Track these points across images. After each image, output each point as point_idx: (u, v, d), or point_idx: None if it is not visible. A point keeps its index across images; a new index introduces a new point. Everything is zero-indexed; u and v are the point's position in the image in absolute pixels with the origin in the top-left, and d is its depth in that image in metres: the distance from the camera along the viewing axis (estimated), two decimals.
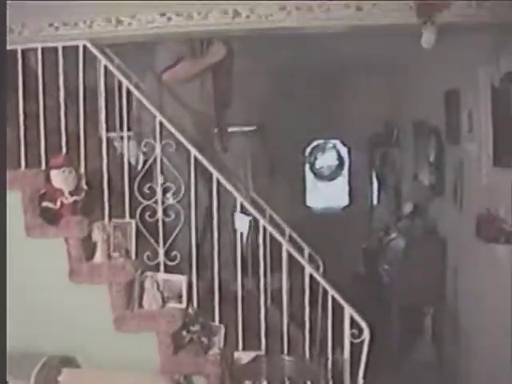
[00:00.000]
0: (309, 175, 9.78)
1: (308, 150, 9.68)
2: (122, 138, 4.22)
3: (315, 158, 9.79)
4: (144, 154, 4.04)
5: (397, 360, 6.04)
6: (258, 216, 3.89)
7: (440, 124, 6.03)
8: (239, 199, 3.85)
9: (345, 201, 9.63)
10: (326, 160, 9.79)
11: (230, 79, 4.76)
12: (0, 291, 2.91)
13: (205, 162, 3.83)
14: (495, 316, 4.63)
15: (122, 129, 4.08)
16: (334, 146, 9.76)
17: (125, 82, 3.90)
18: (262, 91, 8.10)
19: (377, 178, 9.09)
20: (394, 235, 6.75)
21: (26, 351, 3.65)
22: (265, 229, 3.88)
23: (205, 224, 4.14)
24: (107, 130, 3.97)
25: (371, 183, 9.30)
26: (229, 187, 3.86)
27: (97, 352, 3.77)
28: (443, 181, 6.07)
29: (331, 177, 9.90)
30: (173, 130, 3.83)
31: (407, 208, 6.89)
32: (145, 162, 4.07)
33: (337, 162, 9.83)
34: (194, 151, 3.83)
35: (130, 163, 4.15)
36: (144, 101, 3.88)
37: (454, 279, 5.75)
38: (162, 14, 3.67)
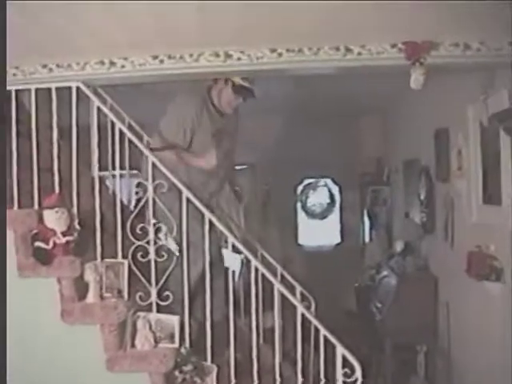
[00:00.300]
0: (300, 213, 9.83)
1: (300, 188, 9.75)
2: (113, 176, 4.21)
3: (307, 197, 9.85)
4: (136, 193, 4.03)
5: None
6: (249, 256, 3.90)
7: (430, 162, 6.09)
8: (230, 239, 3.87)
9: (337, 239, 9.69)
10: (318, 198, 9.86)
11: (235, 141, 4.78)
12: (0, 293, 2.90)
13: (196, 203, 3.86)
14: (487, 353, 4.63)
15: (114, 168, 4.10)
16: (326, 185, 9.83)
17: (118, 123, 3.93)
18: (253, 130, 8.15)
19: (368, 216, 9.12)
20: (385, 273, 6.74)
21: None
22: (256, 269, 3.89)
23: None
24: (99, 169, 4.00)
25: (363, 221, 9.34)
26: (221, 227, 3.89)
27: None
28: (434, 218, 6.10)
29: (323, 215, 9.96)
30: (164, 170, 3.87)
31: (398, 246, 6.90)
32: (137, 202, 4.07)
33: (328, 201, 9.89)
34: (186, 192, 3.86)
35: (122, 203, 4.17)
36: (136, 141, 3.91)
37: (446, 317, 5.75)
38: (155, 57, 3.72)
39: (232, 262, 4.95)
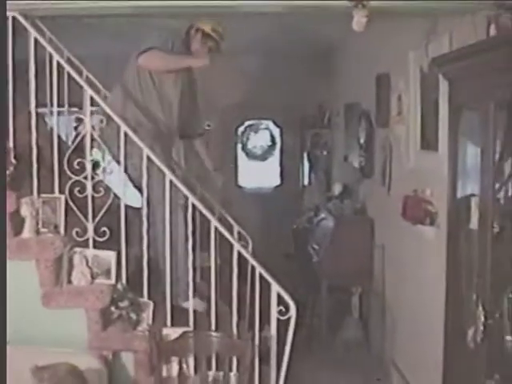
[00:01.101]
0: (241, 155, 9.82)
1: (241, 129, 9.73)
2: (51, 112, 4.14)
3: (247, 138, 9.84)
4: (75, 128, 3.99)
5: (326, 338, 6.16)
6: (187, 193, 3.90)
7: (371, 107, 6.13)
8: (168, 177, 3.87)
9: (276, 181, 9.72)
10: (259, 140, 9.86)
11: (196, 88, 4.77)
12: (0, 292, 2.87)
13: (136, 140, 3.83)
14: (420, 294, 4.77)
15: (52, 104, 4.02)
16: (267, 127, 9.83)
17: (55, 56, 3.84)
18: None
19: (308, 159, 9.18)
20: (323, 215, 6.82)
21: None
22: (194, 206, 3.90)
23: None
24: (38, 106, 3.92)
25: (302, 164, 9.40)
26: (161, 166, 3.87)
27: (25, 329, 3.72)
28: (372, 163, 6.18)
29: (263, 157, 9.97)
30: (103, 104, 3.82)
31: (337, 189, 6.98)
32: (76, 137, 4.02)
33: (269, 143, 9.90)
34: (124, 127, 3.83)
35: (60, 138, 4.11)
36: (76, 77, 3.84)
37: (382, 259, 5.88)
38: None
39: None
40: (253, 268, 3.88)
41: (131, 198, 4.21)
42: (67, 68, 3.84)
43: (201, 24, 4.49)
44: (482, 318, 2.57)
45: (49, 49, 3.83)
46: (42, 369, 3.07)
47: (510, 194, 2.72)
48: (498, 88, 2.47)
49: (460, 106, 3.01)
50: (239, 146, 9.79)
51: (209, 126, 9.03)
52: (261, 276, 3.83)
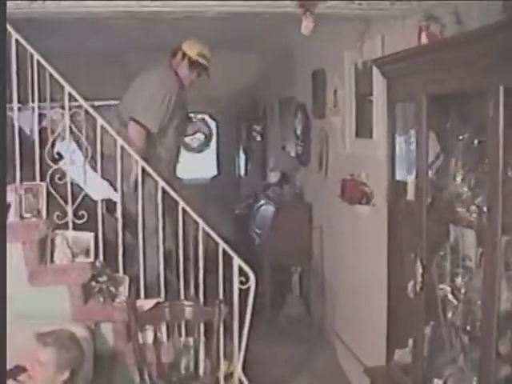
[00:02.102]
0: None
1: None
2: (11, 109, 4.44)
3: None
4: (52, 121, 4.37)
5: (270, 315, 6.68)
6: (158, 179, 4.38)
7: (307, 100, 6.68)
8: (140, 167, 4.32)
9: (213, 172, 10.21)
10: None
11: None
12: (0, 291, 3.00)
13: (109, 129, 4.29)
14: (357, 270, 5.34)
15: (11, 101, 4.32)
16: (203, 120, 10.26)
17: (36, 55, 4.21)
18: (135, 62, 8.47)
19: (244, 150, 9.70)
20: (262, 201, 7.30)
21: None
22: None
23: None
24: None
25: (238, 155, 9.91)
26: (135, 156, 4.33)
27: (13, 305, 4.07)
28: (309, 151, 6.73)
29: (199, 149, 10.39)
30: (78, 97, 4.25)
31: (274, 177, 7.50)
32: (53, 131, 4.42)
33: (204, 135, 10.35)
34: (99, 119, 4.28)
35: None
36: (56, 76, 4.22)
37: (320, 240, 6.44)
38: None
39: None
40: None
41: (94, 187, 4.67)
42: (48, 67, 4.22)
43: (186, 48, 4.83)
44: (420, 271, 3.15)
45: (30, 49, 4.19)
46: (45, 335, 3.47)
47: (438, 171, 3.30)
48: (430, 84, 3.03)
49: (396, 99, 3.56)
50: None
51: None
52: (224, 251, 4.35)
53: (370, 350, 4.71)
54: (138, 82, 4.90)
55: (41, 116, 4.72)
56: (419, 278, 3.15)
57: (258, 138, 9.31)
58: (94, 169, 4.54)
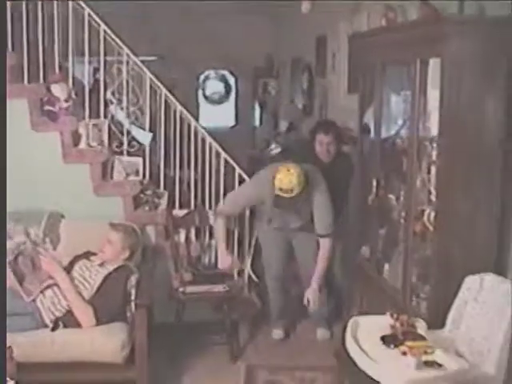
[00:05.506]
0: (201, 100, 11.63)
1: (201, 77, 11.52)
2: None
3: (207, 85, 11.65)
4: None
5: None
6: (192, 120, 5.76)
7: (311, 61, 8.02)
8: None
9: (232, 122, 11.59)
10: (217, 87, 11.68)
11: None
12: (0, 291, 3.20)
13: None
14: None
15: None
16: (223, 76, 11.65)
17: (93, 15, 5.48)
18: (164, 26, 9.85)
19: (259, 104, 11.05)
20: (273, 146, 8.65)
21: (31, 209, 5.35)
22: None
23: None
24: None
25: (254, 108, 11.27)
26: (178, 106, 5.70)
27: (80, 211, 5.42)
28: (312, 104, 8.09)
29: (220, 101, 11.80)
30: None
31: (283, 125, 8.87)
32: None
33: (225, 90, 11.74)
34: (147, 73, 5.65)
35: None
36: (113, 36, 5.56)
37: None
38: None
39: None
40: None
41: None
42: (103, 27, 5.49)
43: None
44: (375, 185, 4.54)
45: (87, 9, 5.46)
46: (116, 224, 4.91)
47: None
48: (421, 51, 3.88)
49: (387, 62, 4.46)
50: (200, 92, 11.61)
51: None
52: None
53: None
54: None
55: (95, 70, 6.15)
56: (374, 190, 4.55)
57: (273, 93, 10.66)
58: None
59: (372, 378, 3.11)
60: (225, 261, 5.14)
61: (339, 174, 5.29)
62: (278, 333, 5.54)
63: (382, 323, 3.40)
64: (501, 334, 3.23)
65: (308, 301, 4.98)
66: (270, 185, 4.73)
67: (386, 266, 4.61)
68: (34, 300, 4.46)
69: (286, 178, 4.63)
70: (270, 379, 4.93)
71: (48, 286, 4.53)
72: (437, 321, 3.60)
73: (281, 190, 4.65)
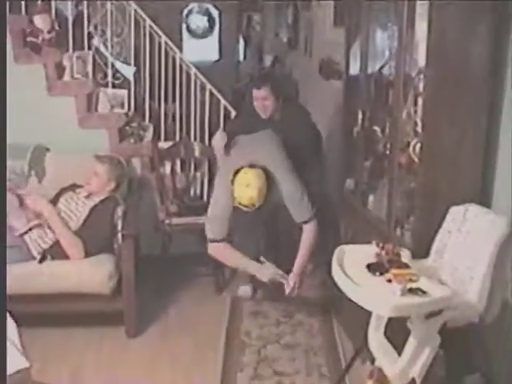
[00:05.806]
0: (185, 33, 11.48)
1: (185, 11, 11.36)
2: None
3: (190, 19, 11.50)
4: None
5: None
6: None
7: None
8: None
9: (216, 56, 11.49)
10: (200, 21, 11.52)
11: None
12: (0, 289, 3.08)
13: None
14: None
15: None
16: (207, 9, 11.49)
17: None
18: None
19: (243, 38, 10.96)
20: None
21: (16, 143, 5.25)
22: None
23: None
24: None
25: (238, 42, 11.17)
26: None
27: (66, 144, 5.37)
28: (297, 38, 8.04)
29: (203, 35, 11.66)
30: None
31: (268, 60, 8.84)
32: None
33: (208, 23, 11.59)
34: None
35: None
36: None
37: None
38: None
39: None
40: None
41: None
42: None
43: None
44: (361, 117, 4.56)
45: None
46: (102, 156, 4.90)
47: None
48: None
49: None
50: (184, 26, 11.46)
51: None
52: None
53: None
54: None
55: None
56: (359, 123, 4.57)
57: (257, 28, 10.56)
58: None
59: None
60: (264, 274, 4.58)
61: (292, 133, 4.95)
62: (244, 289, 5.29)
63: (368, 252, 3.44)
64: (483, 263, 3.28)
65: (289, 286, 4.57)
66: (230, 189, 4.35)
67: (371, 198, 4.65)
68: (21, 235, 4.50)
69: (246, 194, 4.22)
70: (255, 310, 5.02)
71: (36, 225, 4.57)
72: (421, 251, 3.64)
73: (240, 204, 4.28)
